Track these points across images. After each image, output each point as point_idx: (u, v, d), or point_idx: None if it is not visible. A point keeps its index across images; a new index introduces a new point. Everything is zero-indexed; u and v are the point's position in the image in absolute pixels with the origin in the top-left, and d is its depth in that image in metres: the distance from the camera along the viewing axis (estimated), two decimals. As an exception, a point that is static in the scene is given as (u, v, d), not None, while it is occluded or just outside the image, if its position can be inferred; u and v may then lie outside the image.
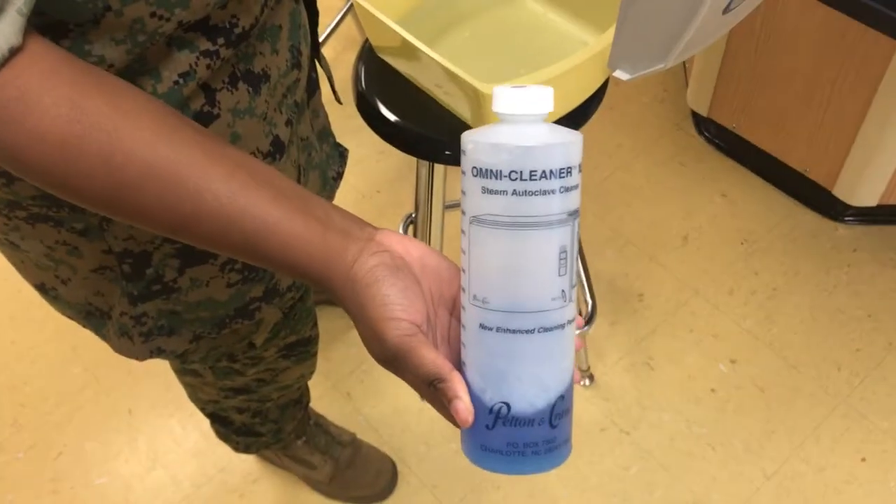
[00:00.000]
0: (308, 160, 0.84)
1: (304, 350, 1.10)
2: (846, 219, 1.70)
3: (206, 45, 0.60)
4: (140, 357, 0.83)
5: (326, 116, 0.97)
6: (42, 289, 0.82)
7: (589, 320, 1.40)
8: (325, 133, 0.95)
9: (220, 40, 0.61)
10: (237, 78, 0.65)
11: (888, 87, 1.40)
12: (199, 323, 0.82)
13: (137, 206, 0.51)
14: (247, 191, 0.51)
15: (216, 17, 0.60)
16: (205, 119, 0.64)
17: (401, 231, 1.59)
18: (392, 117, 1.06)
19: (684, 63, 1.93)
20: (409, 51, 1.02)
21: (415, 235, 1.58)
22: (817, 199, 1.71)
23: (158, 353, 0.83)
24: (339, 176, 0.97)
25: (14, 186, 0.66)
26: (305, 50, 0.76)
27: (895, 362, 1.52)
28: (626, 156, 1.85)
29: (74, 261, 0.74)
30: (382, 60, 1.11)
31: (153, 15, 0.54)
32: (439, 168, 1.16)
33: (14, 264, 0.81)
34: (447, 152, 1.05)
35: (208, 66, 0.61)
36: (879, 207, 1.64)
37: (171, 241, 0.72)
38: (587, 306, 1.42)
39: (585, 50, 0.95)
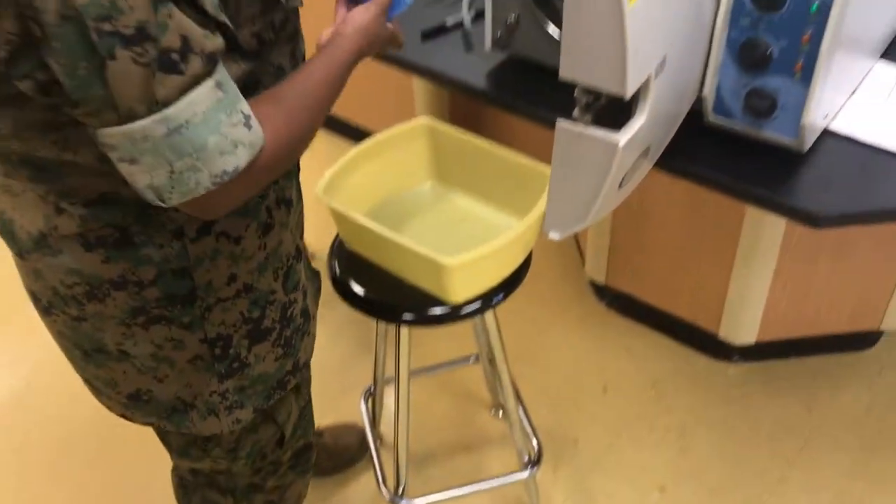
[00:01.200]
0: (302, 268, 1.16)
1: (306, 459, 1.34)
2: (734, 358, 2.00)
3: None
4: (225, 429, 1.09)
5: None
6: (135, 397, 1.05)
7: (538, 460, 1.60)
8: (307, 265, 1.26)
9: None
10: (281, 201, 1.04)
11: (746, 240, 1.75)
12: (255, 396, 1.10)
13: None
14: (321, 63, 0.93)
15: None
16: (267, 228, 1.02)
17: (361, 405, 1.78)
18: (362, 292, 1.30)
19: (578, 243, 2.27)
20: (377, 241, 1.28)
21: (373, 408, 1.77)
22: (708, 343, 2.01)
23: (237, 423, 1.09)
24: (318, 291, 1.30)
25: (144, 292, 0.94)
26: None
27: (795, 477, 1.77)
28: (544, 324, 2.12)
29: (177, 354, 1.00)
30: (351, 252, 1.36)
31: None
32: (404, 333, 1.38)
33: (106, 382, 1.05)
34: (407, 316, 1.29)
35: (273, 191, 1.02)
36: (758, 345, 1.95)
37: (246, 323, 1.03)
38: (534, 449, 1.62)
39: (513, 230, 1.23)
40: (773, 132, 1.16)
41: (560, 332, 2.11)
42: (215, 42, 0.76)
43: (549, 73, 1.33)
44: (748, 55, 1.11)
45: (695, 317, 1.98)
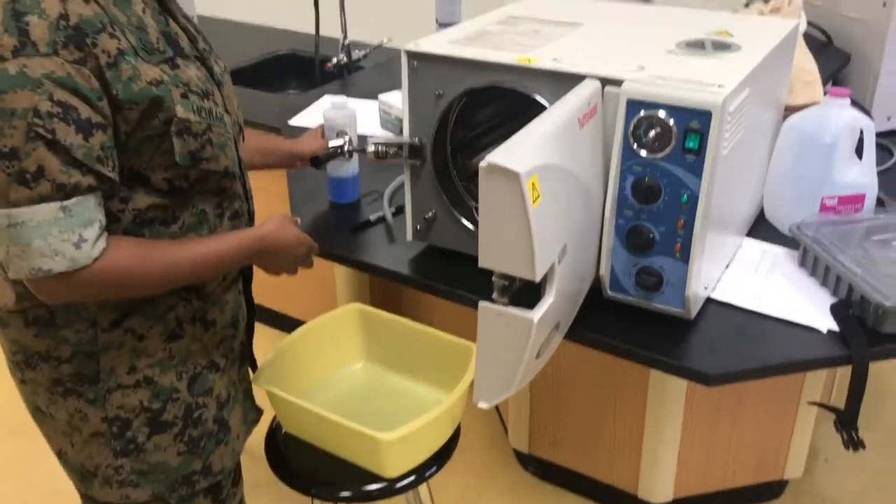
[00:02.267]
0: (235, 391, 1.32)
1: None
2: (655, 517, 2.09)
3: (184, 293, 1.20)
4: (114, 500, 1.23)
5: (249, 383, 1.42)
6: (59, 455, 1.25)
7: None
8: (248, 395, 1.40)
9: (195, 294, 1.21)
10: (196, 319, 1.22)
11: (653, 401, 1.89)
12: (156, 483, 1.23)
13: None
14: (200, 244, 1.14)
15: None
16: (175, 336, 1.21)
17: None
18: (299, 471, 1.37)
19: (500, 414, 2.38)
20: (313, 420, 1.36)
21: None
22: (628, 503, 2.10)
23: (127, 499, 1.22)
24: (254, 422, 1.40)
25: (61, 367, 1.16)
26: (242, 322, 1.34)
27: None
28: (475, 494, 2.18)
29: (83, 426, 1.19)
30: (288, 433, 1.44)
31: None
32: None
33: (47, 435, 1.25)
34: (344, 493, 1.35)
35: (184, 306, 1.20)
36: (675, 502, 2.05)
37: (145, 412, 1.19)
38: None
39: (442, 404, 1.34)
40: (662, 304, 1.33)
41: (490, 500, 2.17)
42: (75, 179, 0.99)
43: (464, 258, 1.50)
44: (634, 240, 1.30)
45: (613, 479, 2.09)
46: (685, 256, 1.27)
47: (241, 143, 1.29)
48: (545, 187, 1.03)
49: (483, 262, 1.06)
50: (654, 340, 1.32)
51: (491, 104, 1.60)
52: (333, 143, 1.52)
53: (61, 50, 0.97)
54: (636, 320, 1.36)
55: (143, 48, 1.06)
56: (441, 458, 1.43)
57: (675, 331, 1.34)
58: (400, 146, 1.49)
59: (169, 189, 1.12)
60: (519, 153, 1.02)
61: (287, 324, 2.68)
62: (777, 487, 2.14)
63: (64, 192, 0.99)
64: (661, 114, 1.21)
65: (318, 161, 1.47)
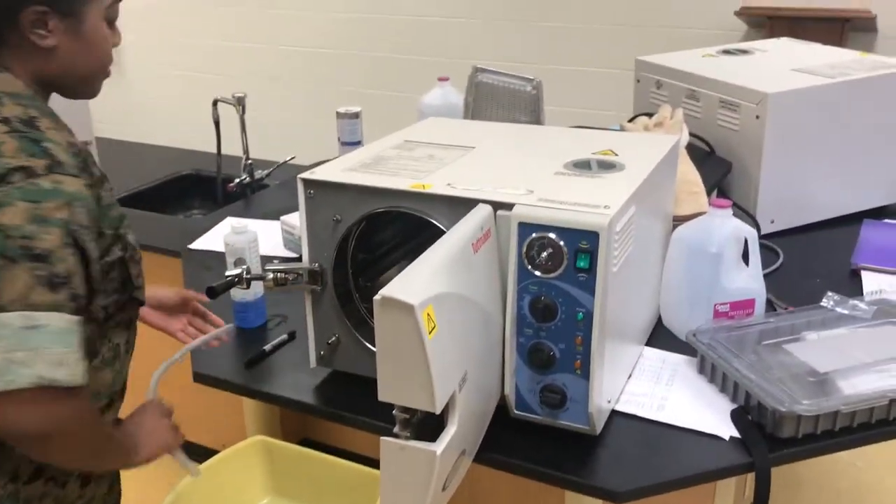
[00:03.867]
0: None
1: None
2: None
3: None
4: None
5: None
6: None
7: None
8: None
9: None
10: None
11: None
12: None
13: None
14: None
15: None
16: None
17: None
18: None
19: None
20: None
21: None
22: None
23: None
24: None
25: None
26: None
27: None
28: None
29: None
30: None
31: None
32: None
33: None
34: None
35: None
36: None
37: None
38: None
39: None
40: (567, 421, 1.33)
41: None
42: (82, 296, 1.01)
43: (371, 382, 1.47)
44: (536, 358, 1.30)
45: None
46: (585, 373, 1.28)
47: None
48: (441, 317, 1.03)
49: (382, 396, 1.04)
50: (562, 459, 1.31)
51: (390, 226, 1.62)
52: (230, 272, 1.50)
53: (81, 173, 1.06)
54: (544, 438, 1.35)
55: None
56: None
57: (582, 447, 1.34)
58: (299, 272, 1.47)
59: (101, 317, 1.13)
60: (413, 285, 1.02)
61: (196, 452, 2.57)
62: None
63: (74, 307, 1.01)
64: (552, 235, 1.24)
65: (214, 292, 1.45)
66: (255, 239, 1.71)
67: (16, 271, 0.97)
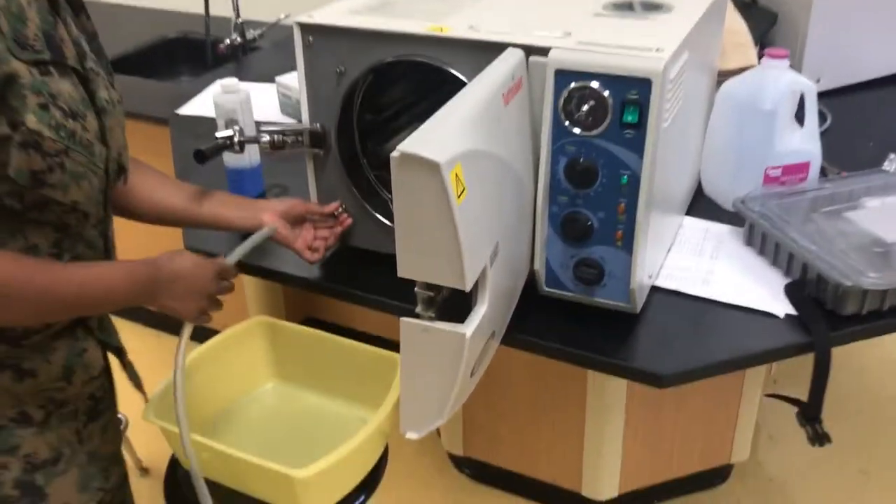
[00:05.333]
0: (71, 454, 1.09)
1: None
2: (600, 514, 1.98)
3: None
4: None
5: (107, 449, 1.17)
6: None
7: None
8: (98, 456, 1.14)
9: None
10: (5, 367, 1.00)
11: (593, 398, 1.77)
12: None
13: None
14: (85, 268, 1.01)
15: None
16: None
17: None
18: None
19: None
20: (217, 458, 1.17)
21: None
22: (571, 502, 1.98)
23: None
24: (110, 490, 1.17)
25: None
26: (83, 374, 1.09)
27: None
28: (408, 503, 2.03)
29: None
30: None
31: None
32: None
33: None
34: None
35: None
36: (621, 497, 1.94)
37: None
38: None
39: (366, 427, 1.17)
40: (604, 298, 1.19)
41: (423, 512, 2.02)
42: None
43: (383, 258, 1.33)
44: (571, 229, 1.15)
45: (554, 478, 1.96)
46: (627, 245, 1.13)
47: (115, 183, 1.09)
48: (470, 178, 0.86)
49: (403, 272, 0.89)
50: (598, 340, 1.18)
51: (401, 81, 1.42)
52: (220, 133, 1.32)
53: None
54: (576, 318, 1.21)
55: (14, 39, 0.89)
56: (369, 485, 1.26)
57: (619, 327, 1.20)
58: (299, 134, 1.30)
59: (12, 210, 0.93)
60: (437, 139, 0.85)
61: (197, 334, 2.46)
62: (724, 471, 2.05)
63: None
64: (595, 85, 1.06)
65: (203, 155, 1.27)
66: (247, 99, 1.53)
67: None
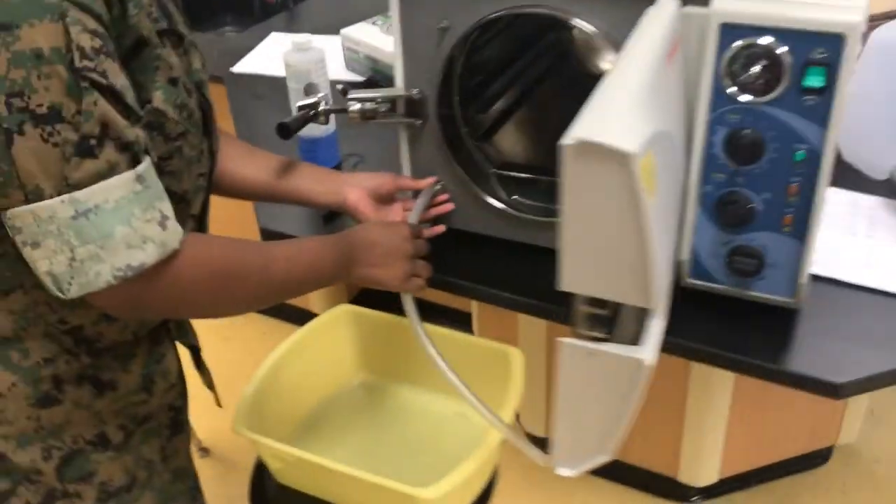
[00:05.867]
0: (147, 478, 0.97)
1: None
2: (693, 499, 1.84)
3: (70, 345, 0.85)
4: None
5: (189, 464, 1.06)
6: None
7: None
8: (183, 472, 1.04)
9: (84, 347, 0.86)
10: (83, 379, 0.87)
11: (696, 385, 1.61)
12: None
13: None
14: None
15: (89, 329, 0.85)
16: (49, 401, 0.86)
17: None
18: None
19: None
20: (320, 474, 1.03)
21: None
22: (666, 488, 1.84)
23: None
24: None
25: None
26: (163, 383, 0.96)
27: None
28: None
29: None
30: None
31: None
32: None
33: None
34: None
35: (66, 362, 0.85)
36: (720, 482, 1.80)
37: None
38: None
39: (493, 436, 1.02)
40: (762, 292, 1.02)
41: (512, 491, 1.89)
42: (134, 133, 0.73)
43: (487, 242, 1.17)
44: (727, 212, 0.97)
45: (650, 464, 1.82)
46: (799, 231, 0.96)
47: (213, 164, 0.95)
48: (658, 169, 0.69)
49: (567, 285, 0.72)
50: (754, 341, 1.01)
51: (500, 36, 1.24)
52: (303, 102, 1.15)
53: None
54: (723, 314, 1.04)
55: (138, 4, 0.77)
56: (484, 498, 1.12)
57: (776, 326, 1.03)
58: (393, 101, 1.13)
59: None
60: (619, 122, 0.68)
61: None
62: (825, 454, 1.90)
63: (131, 154, 0.73)
64: (769, 41, 0.88)
65: (288, 130, 1.11)
66: (322, 58, 1.35)
67: (28, 144, 0.68)
